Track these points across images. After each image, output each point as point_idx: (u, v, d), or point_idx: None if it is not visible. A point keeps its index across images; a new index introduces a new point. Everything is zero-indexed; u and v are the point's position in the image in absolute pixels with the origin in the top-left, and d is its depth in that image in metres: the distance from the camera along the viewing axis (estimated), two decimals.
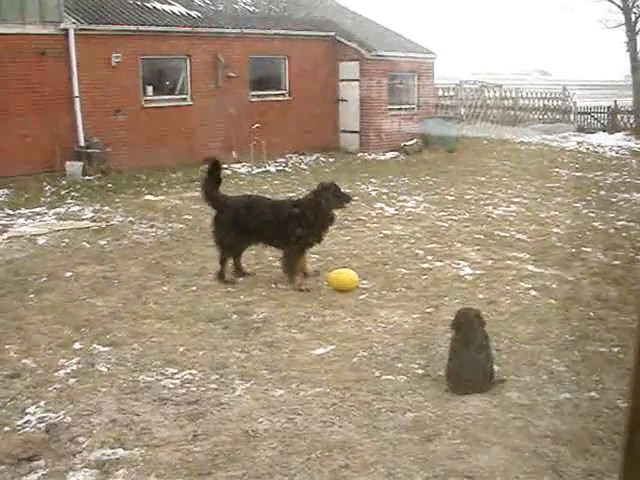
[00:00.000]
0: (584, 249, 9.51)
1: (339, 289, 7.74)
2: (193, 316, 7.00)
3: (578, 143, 23.43)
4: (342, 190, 8.20)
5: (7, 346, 6.26)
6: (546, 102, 28.12)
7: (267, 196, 9.31)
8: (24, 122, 15.38)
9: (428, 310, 7.10)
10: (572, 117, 27.90)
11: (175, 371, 5.66)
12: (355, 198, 10.39)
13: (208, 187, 8.20)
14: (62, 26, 15.87)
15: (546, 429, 4.59)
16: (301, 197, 8.59)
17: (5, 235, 10.78)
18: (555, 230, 10.69)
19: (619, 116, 27.05)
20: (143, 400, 5.14)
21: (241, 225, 8.05)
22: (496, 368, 5.42)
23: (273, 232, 8.04)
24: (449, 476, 4.05)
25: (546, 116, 27.89)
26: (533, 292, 7.63)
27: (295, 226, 7.86)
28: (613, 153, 21.31)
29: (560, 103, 28.10)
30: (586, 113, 27.92)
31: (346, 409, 4.93)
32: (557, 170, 17.49)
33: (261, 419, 4.80)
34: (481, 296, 7.52)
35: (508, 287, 7.81)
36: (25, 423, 4.84)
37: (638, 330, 1.27)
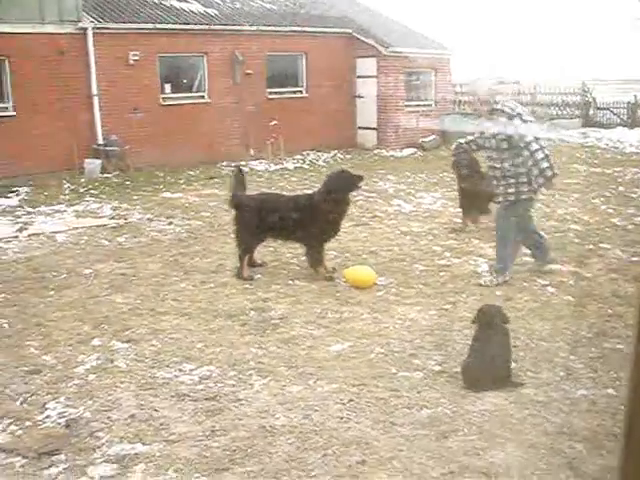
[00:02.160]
0: (602, 245, 9.46)
1: (356, 285, 7.76)
2: (211, 313, 7.04)
3: (597, 139, 23.26)
4: (351, 172, 8.33)
5: (27, 342, 6.34)
6: (564, 97, 27.92)
7: (283, 192, 9.34)
8: (43, 120, 15.54)
9: (445, 307, 7.11)
10: (591, 112, 27.67)
11: (193, 367, 5.70)
12: (372, 194, 10.45)
13: (235, 192, 8.42)
14: (80, 25, 16.02)
15: (563, 426, 4.58)
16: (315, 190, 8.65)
17: (25, 232, 10.90)
18: (573, 226, 10.64)
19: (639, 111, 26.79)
20: (161, 396, 5.19)
21: (260, 222, 8.15)
22: (513, 364, 5.43)
23: (292, 227, 8.12)
24: (465, 472, 4.06)
25: (564, 111, 27.69)
26: (550, 289, 7.60)
27: (312, 218, 7.95)
28: (633, 149, 21.13)
29: (579, 98, 27.90)
30: (605, 108, 27.69)
31: (362, 405, 4.96)
32: (575, 166, 17.38)
33: (278, 415, 4.83)
34: (499, 293, 7.50)
35: (525, 284, 7.79)
36: (45, 418, 4.90)
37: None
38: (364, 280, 7.85)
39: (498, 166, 7.61)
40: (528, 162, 7.35)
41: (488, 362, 5.15)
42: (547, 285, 7.72)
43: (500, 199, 7.78)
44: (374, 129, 21.37)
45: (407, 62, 21.11)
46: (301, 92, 20.63)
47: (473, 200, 10.11)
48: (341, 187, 8.04)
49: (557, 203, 12.47)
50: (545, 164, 7.28)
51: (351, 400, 5.04)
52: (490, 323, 5.30)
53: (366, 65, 21.09)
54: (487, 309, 5.50)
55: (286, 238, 8.45)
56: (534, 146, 7.27)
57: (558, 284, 7.76)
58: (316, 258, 8.15)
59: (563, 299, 7.28)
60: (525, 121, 7.42)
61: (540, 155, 7.27)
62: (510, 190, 7.59)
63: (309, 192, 8.91)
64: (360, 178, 8.22)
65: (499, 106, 7.51)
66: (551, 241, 9.64)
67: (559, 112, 27.72)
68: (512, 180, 7.54)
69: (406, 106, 21.42)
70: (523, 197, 7.59)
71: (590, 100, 27.79)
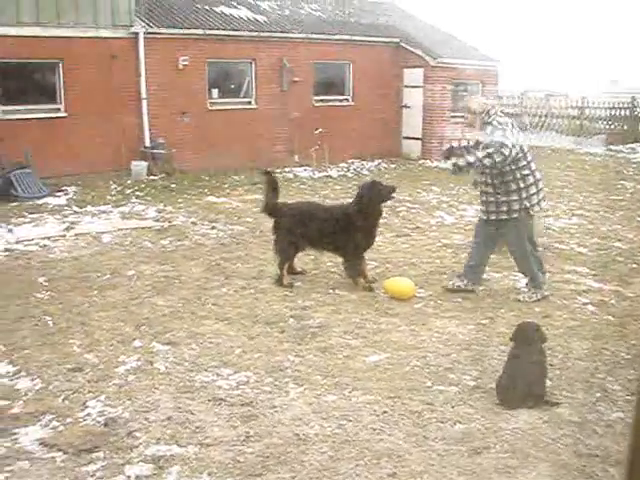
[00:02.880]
0: None
1: (396, 297, 7.79)
2: (250, 319, 7.13)
3: None
4: (383, 184, 8.37)
5: (71, 340, 6.50)
6: (613, 112, 27.54)
7: (324, 201, 9.40)
8: (93, 122, 15.85)
9: (483, 321, 7.10)
10: None
11: (231, 372, 5.79)
12: (415, 206, 10.46)
13: (268, 198, 8.51)
14: (132, 30, 16.31)
15: (596, 448, 4.56)
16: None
17: (72, 232, 11.14)
18: (617, 244, 10.52)
19: None
20: (198, 399, 5.29)
21: (298, 231, 8.26)
22: (548, 383, 5.42)
23: (328, 237, 8.25)
24: None
25: (613, 126, 27.30)
26: (590, 307, 7.55)
27: (347, 229, 8.06)
28: None
29: (628, 113, 27.51)
30: None
31: (396, 418, 4.99)
32: (622, 182, 17.14)
33: (312, 423, 4.88)
34: (537, 309, 7.47)
35: (565, 301, 7.74)
36: (86, 416, 5.03)
37: None
38: (404, 292, 7.88)
39: (489, 181, 7.67)
40: (519, 183, 7.53)
41: (523, 380, 5.14)
42: (587, 303, 7.66)
43: (493, 217, 7.75)
44: (419, 139, 21.34)
45: (454, 73, 21.05)
46: (347, 100, 20.70)
47: None
48: (373, 198, 8.09)
49: (601, 220, 12.34)
50: (533, 190, 7.55)
51: (385, 412, 5.07)
52: (527, 341, 5.30)
53: (413, 75, 21.09)
54: (525, 326, 5.49)
55: (323, 248, 8.53)
56: (524, 170, 7.52)
57: (599, 303, 7.70)
58: (353, 269, 8.19)
59: (603, 318, 7.22)
60: (511, 133, 7.52)
61: (530, 180, 7.53)
62: (503, 208, 7.63)
63: (345, 202, 8.96)
64: (392, 189, 8.28)
65: (490, 119, 7.65)
66: (594, 259, 9.59)
67: (607, 126, 27.35)
68: (503, 198, 7.59)
69: (452, 117, 21.35)
70: (515, 216, 7.60)
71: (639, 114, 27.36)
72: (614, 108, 27.62)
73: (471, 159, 7.51)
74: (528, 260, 7.80)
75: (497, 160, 7.36)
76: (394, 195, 8.37)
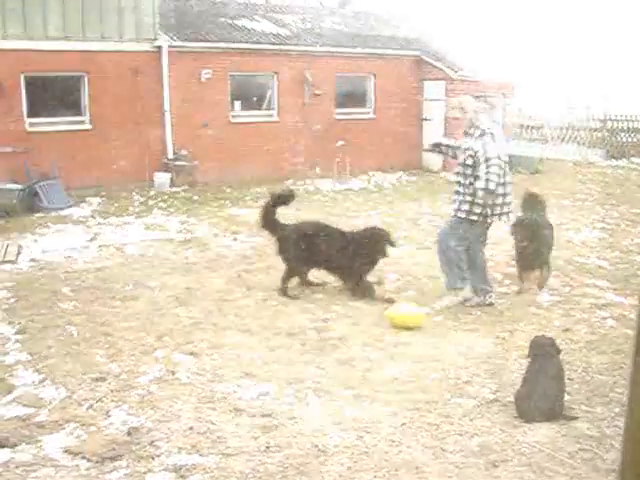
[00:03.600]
0: None
1: (405, 328, 7.31)
2: (272, 330, 7.21)
3: None
4: (390, 238, 8.56)
5: (94, 350, 6.61)
6: (636, 124, 27.34)
7: (327, 223, 9.17)
8: (117, 134, 16.07)
9: (503, 335, 7.12)
10: None
11: (252, 383, 5.86)
12: (435, 217, 10.49)
13: (265, 214, 8.72)
14: (156, 43, 16.52)
15: (614, 463, 4.55)
16: (355, 231, 8.85)
17: (96, 242, 11.29)
18: (638, 258, 10.47)
19: None
20: (219, 410, 5.36)
21: (297, 252, 8.47)
22: (567, 397, 5.44)
23: (327, 261, 8.48)
24: None
25: (635, 139, 27.10)
26: (610, 321, 7.54)
27: (346, 256, 8.32)
28: None
29: None
30: None
31: (414, 430, 5.03)
32: None
33: (332, 435, 4.94)
34: (557, 323, 7.48)
35: (585, 315, 7.74)
36: (109, 425, 5.13)
37: None
38: (409, 324, 7.36)
39: (462, 181, 7.78)
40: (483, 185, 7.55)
41: (540, 394, 5.17)
42: (607, 317, 7.66)
43: (451, 214, 7.98)
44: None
45: (476, 86, 21.06)
46: (368, 113, 20.77)
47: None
48: (372, 243, 8.42)
49: (622, 234, 12.30)
50: (499, 200, 7.69)
51: (404, 424, 5.12)
52: (542, 355, 5.33)
53: (434, 88, 21.11)
54: (539, 340, 5.53)
55: (323, 268, 8.71)
56: (491, 175, 7.52)
57: (618, 317, 7.69)
58: (361, 292, 8.36)
59: (622, 332, 7.20)
60: (494, 141, 7.67)
61: (492, 185, 7.52)
62: (464, 207, 7.75)
63: (348, 230, 8.93)
64: (392, 244, 8.53)
65: (477, 122, 7.77)
66: (615, 272, 9.57)
67: (629, 139, 27.14)
68: (468, 198, 7.69)
69: None
70: (472, 218, 7.74)
71: None
72: (636, 121, 27.41)
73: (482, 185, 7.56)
74: (450, 262, 7.95)
75: (492, 185, 7.53)
76: (394, 244, 8.65)
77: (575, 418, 5.22)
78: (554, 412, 5.17)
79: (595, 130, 26.66)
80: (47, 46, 15.05)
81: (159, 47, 16.57)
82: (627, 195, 16.95)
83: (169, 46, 16.65)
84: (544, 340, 5.56)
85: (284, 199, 8.82)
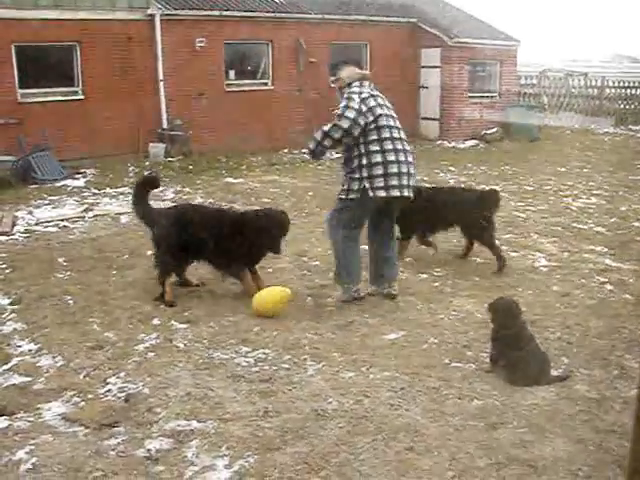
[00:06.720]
0: None
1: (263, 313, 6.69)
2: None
3: None
4: (287, 220, 7.31)
5: (91, 319, 6.57)
6: (633, 91, 27.23)
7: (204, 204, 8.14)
8: (111, 104, 15.87)
9: None
10: None
11: (249, 350, 5.83)
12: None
13: (137, 201, 7.41)
14: (149, 12, 16.30)
15: (613, 424, 4.57)
16: (244, 211, 7.77)
17: (91, 213, 11.23)
18: (636, 224, 10.46)
19: None
20: (217, 376, 5.34)
21: (176, 241, 7.10)
22: (565, 360, 5.43)
23: (211, 250, 7.14)
24: (512, 464, 4.10)
25: (633, 106, 27.01)
26: (609, 286, 7.53)
27: (234, 244, 7.05)
28: None
29: None
30: None
31: (414, 394, 5.02)
32: None
33: (330, 399, 4.92)
34: (555, 288, 7.47)
35: (583, 280, 7.72)
36: (107, 392, 5.10)
37: None
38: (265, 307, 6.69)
39: (342, 158, 6.82)
40: (362, 160, 6.54)
41: (513, 360, 5.18)
42: (605, 282, 7.65)
43: (338, 195, 6.84)
44: (437, 120, 21.23)
45: (472, 52, 20.90)
46: None
47: None
48: (270, 230, 7.07)
49: (620, 200, 12.28)
50: (378, 170, 6.50)
51: (403, 388, 5.10)
52: (503, 319, 5.33)
53: (430, 55, 20.95)
54: (497, 304, 5.51)
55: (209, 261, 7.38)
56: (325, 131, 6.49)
57: (617, 282, 7.68)
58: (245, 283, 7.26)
59: (621, 297, 7.20)
60: (360, 103, 6.52)
61: (311, 143, 6.59)
62: (344, 186, 6.70)
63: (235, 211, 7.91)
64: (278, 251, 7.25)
65: (345, 90, 6.73)
66: (613, 238, 9.54)
67: (627, 106, 27.04)
68: (348, 176, 6.65)
69: (470, 97, 21.22)
70: (351, 197, 6.60)
71: None
72: (635, 87, 27.30)
73: (318, 136, 6.58)
74: (337, 248, 6.93)
75: (335, 137, 6.46)
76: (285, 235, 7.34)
77: (564, 378, 5.21)
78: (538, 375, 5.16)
79: (594, 98, 26.56)
80: (38, 15, 14.80)
81: (152, 15, 16.33)
82: (624, 162, 16.90)
83: (162, 14, 16.42)
84: (501, 303, 5.53)
85: (151, 184, 7.59)
